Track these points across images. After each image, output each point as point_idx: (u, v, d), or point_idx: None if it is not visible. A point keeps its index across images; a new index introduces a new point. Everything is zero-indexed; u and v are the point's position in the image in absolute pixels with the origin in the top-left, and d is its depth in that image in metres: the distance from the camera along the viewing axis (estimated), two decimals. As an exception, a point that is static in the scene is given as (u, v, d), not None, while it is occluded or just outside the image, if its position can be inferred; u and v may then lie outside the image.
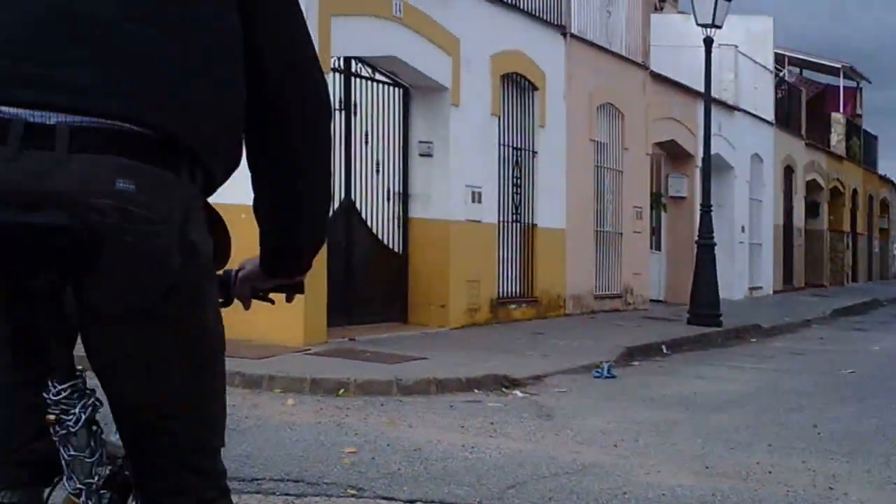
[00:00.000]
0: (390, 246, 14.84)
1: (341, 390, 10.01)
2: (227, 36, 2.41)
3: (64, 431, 2.39)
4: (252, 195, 2.60)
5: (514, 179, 17.15)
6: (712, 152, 24.13)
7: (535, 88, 17.57)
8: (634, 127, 21.12)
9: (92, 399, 2.42)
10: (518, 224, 17.26)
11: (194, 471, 2.47)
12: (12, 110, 2.23)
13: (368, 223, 14.36)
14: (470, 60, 15.48)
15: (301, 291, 2.82)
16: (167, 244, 2.27)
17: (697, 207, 23.67)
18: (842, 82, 40.11)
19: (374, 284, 14.31)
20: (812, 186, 35.60)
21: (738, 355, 15.76)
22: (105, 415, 2.45)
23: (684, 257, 23.67)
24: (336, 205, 13.57)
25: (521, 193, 17.28)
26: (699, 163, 23.72)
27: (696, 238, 19.47)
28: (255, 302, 2.90)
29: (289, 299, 2.83)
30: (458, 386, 10.63)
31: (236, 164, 2.50)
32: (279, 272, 2.72)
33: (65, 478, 2.42)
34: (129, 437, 2.46)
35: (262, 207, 2.62)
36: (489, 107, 16.13)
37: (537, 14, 17.80)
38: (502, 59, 16.46)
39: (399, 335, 13.83)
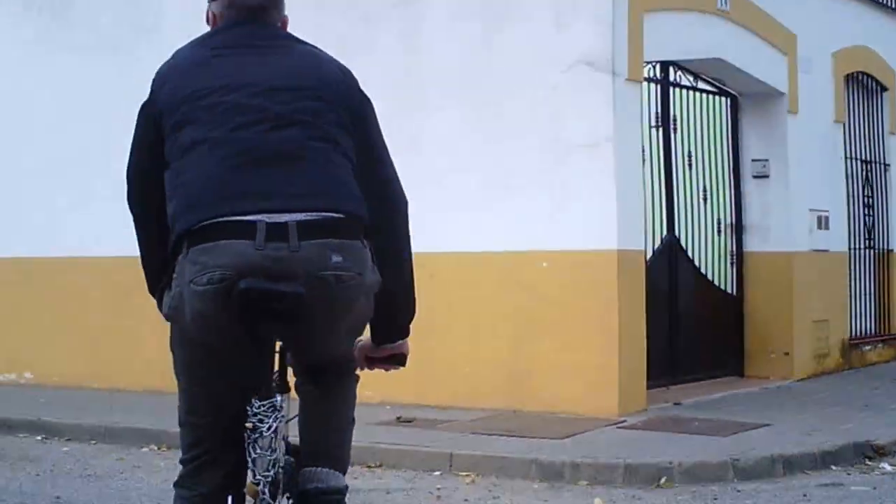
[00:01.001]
0: (722, 287, 12.09)
1: (663, 479, 7.71)
2: (349, 151, 3.51)
3: (257, 435, 3.34)
4: None
5: (865, 198, 14.09)
6: None
7: (884, 89, 14.47)
8: None
9: (282, 412, 3.41)
10: (871, 251, 14.17)
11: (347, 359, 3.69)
12: (256, 217, 3.27)
13: (696, 261, 11.65)
14: (809, 59, 12.62)
15: (403, 364, 3.76)
16: (359, 288, 3.38)
17: None
18: None
19: (703, 333, 11.60)
20: None
21: None
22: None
23: None
24: (657, 243, 11.00)
25: (873, 214, 14.21)
26: None
27: None
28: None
29: (387, 369, 3.77)
30: (811, 462, 8.12)
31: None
32: (383, 341, 3.70)
33: (249, 472, 3.37)
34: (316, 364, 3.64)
35: None
36: (832, 113, 13.20)
37: (883, 1, 14.68)
38: (845, 56, 13.50)
39: (734, 394, 11.11)
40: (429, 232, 10.33)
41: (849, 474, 7.95)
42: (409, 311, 3.67)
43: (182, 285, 3.32)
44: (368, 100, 3.60)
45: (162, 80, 3.52)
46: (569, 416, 9.49)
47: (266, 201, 3.28)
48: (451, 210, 10.16)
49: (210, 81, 3.44)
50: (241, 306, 3.21)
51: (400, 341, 3.71)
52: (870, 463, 8.27)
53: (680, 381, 11.16)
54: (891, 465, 8.21)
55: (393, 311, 3.62)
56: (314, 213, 3.29)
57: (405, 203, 3.64)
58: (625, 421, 9.36)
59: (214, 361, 3.41)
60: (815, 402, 10.68)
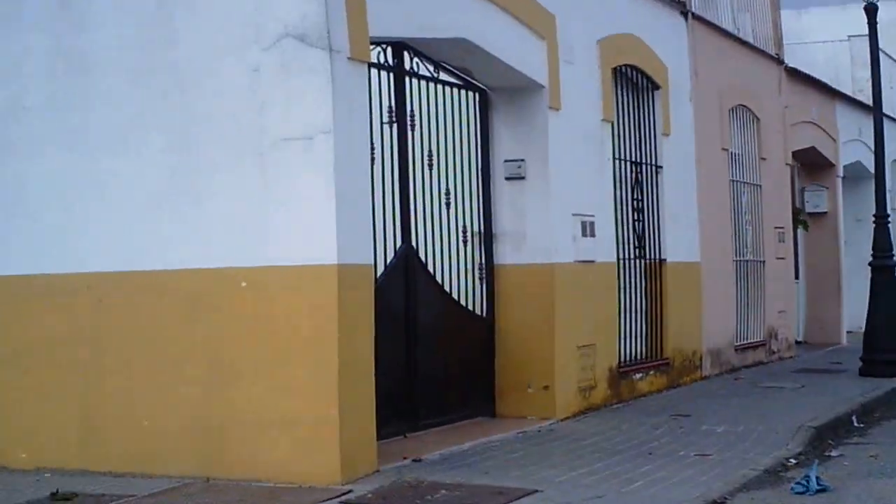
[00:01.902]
0: (469, 306, 10.10)
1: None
2: None
3: None
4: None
5: (635, 203, 12.38)
6: (852, 160, 19.97)
7: (655, 87, 12.82)
8: (771, 133, 16.31)
9: None
10: (642, 260, 12.47)
11: None
12: None
13: (437, 277, 9.62)
14: (572, 47, 10.82)
15: None
16: None
17: (841, 223, 19.33)
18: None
19: (447, 365, 9.59)
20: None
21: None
22: None
23: (827, 285, 19.09)
24: (390, 254, 8.94)
25: (643, 220, 12.51)
26: (840, 172, 19.44)
27: (871, 258, 14.44)
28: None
29: None
30: (602, 551, 6.11)
31: None
32: None
33: None
34: None
35: None
36: (599, 110, 11.43)
37: (655, -11, 13.09)
38: (613, 45, 11.77)
39: (487, 441, 9.09)
40: (95, 247, 8.16)
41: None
42: None
43: None
44: None
45: None
46: (277, 484, 7.34)
47: None
48: (123, 220, 8.03)
49: None
50: None
51: None
52: (676, 543, 6.48)
53: (420, 427, 9.14)
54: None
55: None
56: None
57: None
58: (350, 491, 7.19)
59: None
60: (588, 450, 8.78)
